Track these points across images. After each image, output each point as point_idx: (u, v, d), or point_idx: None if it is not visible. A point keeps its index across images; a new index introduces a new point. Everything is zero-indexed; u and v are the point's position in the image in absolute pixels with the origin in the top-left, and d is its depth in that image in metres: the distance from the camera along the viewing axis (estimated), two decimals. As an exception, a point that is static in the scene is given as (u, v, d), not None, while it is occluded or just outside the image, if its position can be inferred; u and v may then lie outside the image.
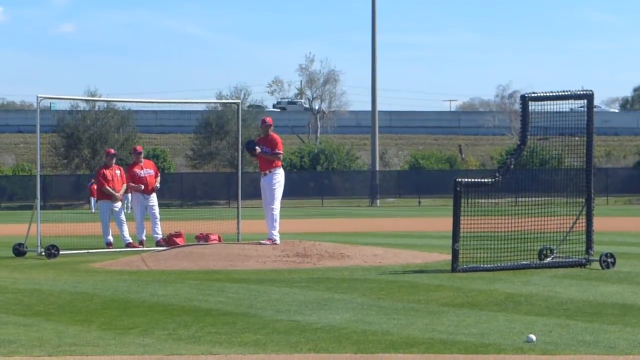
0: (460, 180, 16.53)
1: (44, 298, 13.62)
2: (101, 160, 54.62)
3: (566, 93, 16.97)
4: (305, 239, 20.49)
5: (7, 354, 9.43)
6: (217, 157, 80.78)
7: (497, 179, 16.61)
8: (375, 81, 73.70)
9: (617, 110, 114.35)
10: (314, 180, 74.33)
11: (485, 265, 16.39)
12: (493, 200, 17.77)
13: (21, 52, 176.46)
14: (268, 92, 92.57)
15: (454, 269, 16.18)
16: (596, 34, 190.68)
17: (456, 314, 11.58)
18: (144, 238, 22.66)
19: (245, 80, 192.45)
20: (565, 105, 16.98)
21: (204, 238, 22.39)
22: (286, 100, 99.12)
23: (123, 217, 22.73)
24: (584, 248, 17.13)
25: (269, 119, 20.06)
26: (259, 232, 29.34)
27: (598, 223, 18.17)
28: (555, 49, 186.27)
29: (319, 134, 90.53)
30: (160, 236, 22.64)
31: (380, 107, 76.72)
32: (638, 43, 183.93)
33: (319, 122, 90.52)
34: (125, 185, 22.82)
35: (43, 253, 20.87)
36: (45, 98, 23.21)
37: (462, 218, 16.30)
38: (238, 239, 22.57)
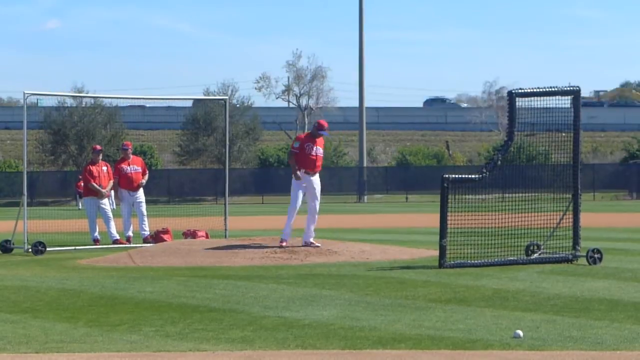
0: (447, 176, 16.55)
1: (30, 295, 13.59)
2: (88, 156, 54.51)
3: (553, 89, 17.00)
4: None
5: (-7, 351, 9.41)
6: (204, 153, 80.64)
7: (484, 175, 16.63)
8: (363, 77, 73.72)
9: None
10: (301, 177, 74.28)
11: (473, 261, 16.41)
12: (480, 196, 17.79)
13: (7, 49, 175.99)
14: (255, 88, 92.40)
15: (441, 265, 16.20)
16: (583, 30, 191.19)
17: (443, 310, 11.59)
18: (131, 234, 22.63)
19: (232, 76, 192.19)
20: (552, 101, 17.01)
21: (191, 234, 22.36)
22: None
23: (110, 213, 22.69)
24: (571, 244, 17.17)
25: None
26: (247, 228, 29.36)
27: (585, 219, 18.20)
28: (543, 45, 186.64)
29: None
30: (147, 233, 22.62)
31: (367, 103, 76.73)
32: (625, 39, 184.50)
33: (306, 119, 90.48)
34: (111, 181, 22.79)
35: (30, 250, 20.81)
36: (32, 94, 23.16)
37: (449, 214, 16.32)
38: (225, 236, 22.55)
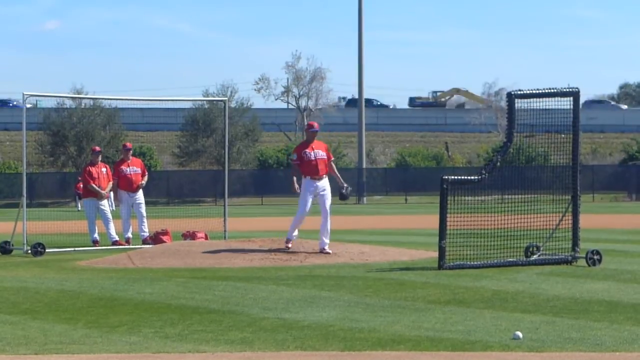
0: (446, 177, 16.55)
1: (30, 296, 13.59)
2: (87, 158, 54.49)
3: (552, 90, 17.01)
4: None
5: (-7, 353, 9.40)
6: (203, 154, 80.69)
7: (483, 176, 16.63)
8: (362, 78, 73.76)
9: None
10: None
11: (472, 263, 16.41)
12: (480, 198, 17.79)
13: (7, 49, 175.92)
14: (255, 89, 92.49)
15: (440, 266, 16.19)
16: (583, 31, 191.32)
17: (443, 311, 11.59)
18: (130, 236, 22.62)
19: (232, 77, 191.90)
20: (551, 103, 17.01)
21: (190, 236, 22.36)
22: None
23: (109, 215, 22.68)
24: (570, 245, 17.16)
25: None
26: (246, 229, 29.36)
27: (584, 220, 18.20)
28: (542, 46, 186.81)
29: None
30: (146, 234, 22.61)
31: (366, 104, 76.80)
32: (624, 40, 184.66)
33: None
34: (111, 182, 22.79)
35: (29, 251, 20.81)
36: (31, 95, 23.15)
37: (448, 215, 16.32)
38: (225, 237, 22.54)
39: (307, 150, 18.17)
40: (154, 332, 10.38)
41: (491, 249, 16.77)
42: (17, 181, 61.72)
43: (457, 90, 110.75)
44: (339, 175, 18.54)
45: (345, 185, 18.56)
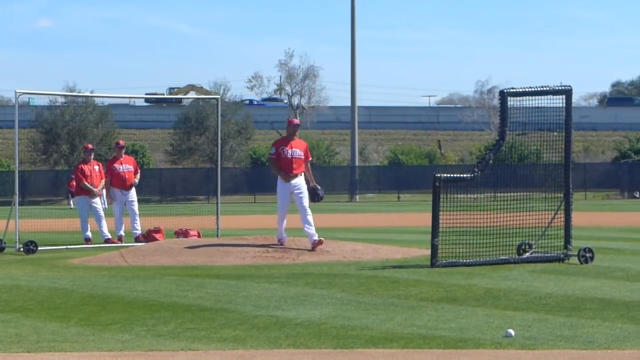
0: (439, 175, 16.56)
1: (22, 294, 13.57)
2: (80, 155, 54.44)
3: (545, 88, 17.03)
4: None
5: (-15, 351, 9.39)
6: (196, 152, 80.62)
7: (476, 174, 16.65)
8: (355, 77, 73.76)
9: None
10: (293, 176, 74.29)
11: (464, 260, 16.43)
12: (472, 196, 17.80)
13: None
14: (247, 87, 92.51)
15: (433, 264, 16.21)
16: (575, 30, 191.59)
17: (435, 309, 11.60)
18: (123, 234, 22.62)
19: (224, 75, 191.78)
20: (543, 101, 17.03)
21: (183, 234, 22.35)
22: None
23: (101, 212, 22.67)
24: (562, 243, 17.19)
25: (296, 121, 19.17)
26: (239, 227, 29.35)
27: (576, 218, 18.22)
28: (534, 45, 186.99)
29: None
30: (139, 232, 22.60)
31: (359, 102, 76.81)
32: (617, 39, 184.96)
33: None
34: (103, 180, 22.78)
35: (21, 249, 20.78)
36: (24, 93, 23.14)
37: (441, 213, 16.33)
38: (217, 235, 22.54)
39: (285, 148, 18.33)
40: (146, 330, 10.38)
41: (484, 247, 16.78)
42: (9, 179, 61.57)
43: (192, 87, 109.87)
44: (312, 176, 18.64)
45: (317, 186, 18.61)
